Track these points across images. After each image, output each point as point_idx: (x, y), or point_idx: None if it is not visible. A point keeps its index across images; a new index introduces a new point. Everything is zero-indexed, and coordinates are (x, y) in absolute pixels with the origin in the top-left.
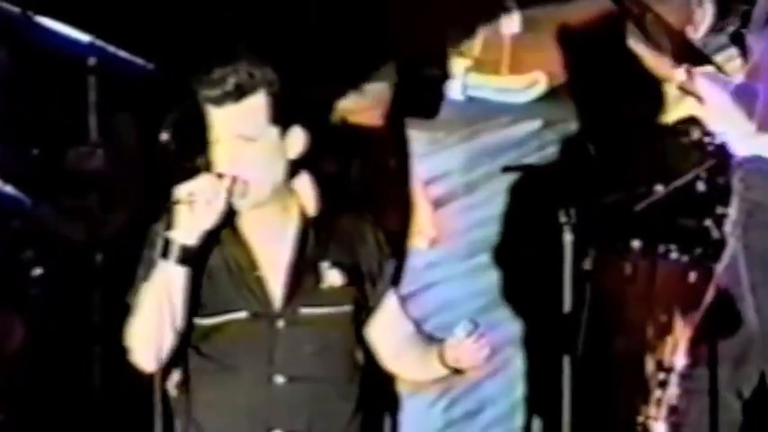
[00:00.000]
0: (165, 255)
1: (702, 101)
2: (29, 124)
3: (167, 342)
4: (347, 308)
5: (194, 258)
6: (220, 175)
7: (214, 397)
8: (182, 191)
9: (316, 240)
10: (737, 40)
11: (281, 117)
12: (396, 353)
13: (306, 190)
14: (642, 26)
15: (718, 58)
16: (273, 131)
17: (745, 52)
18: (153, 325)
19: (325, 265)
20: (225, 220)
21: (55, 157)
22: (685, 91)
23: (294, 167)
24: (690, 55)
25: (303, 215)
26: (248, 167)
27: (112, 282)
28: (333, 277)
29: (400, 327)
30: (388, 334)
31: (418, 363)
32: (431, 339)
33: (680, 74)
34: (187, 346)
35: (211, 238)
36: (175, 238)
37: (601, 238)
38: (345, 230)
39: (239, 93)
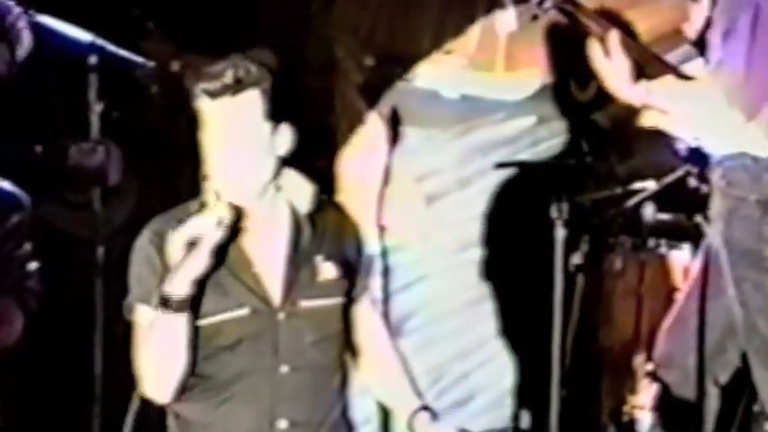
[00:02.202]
0: (165, 306)
1: (666, 112)
2: (31, 121)
3: (178, 376)
4: (340, 299)
5: (195, 302)
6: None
7: (220, 392)
8: (180, 239)
9: (309, 235)
10: (700, 46)
11: (273, 114)
12: (360, 352)
13: (296, 186)
14: (604, 45)
15: (689, 67)
16: (267, 127)
17: (706, 56)
18: (163, 366)
19: (319, 258)
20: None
21: (57, 153)
22: (647, 107)
23: (281, 164)
24: (657, 68)
25: (293, 211)
26: (242, 162)
27: (113, 275)
28: (327, 270)
29: (368, 327)
30: (360, 333)
31: (381, 381)
32: (406, 366)
33: (639, 92)
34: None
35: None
36: (172, 293)
37: (592, 233)
38: (331, 224)
39: (238, 86)
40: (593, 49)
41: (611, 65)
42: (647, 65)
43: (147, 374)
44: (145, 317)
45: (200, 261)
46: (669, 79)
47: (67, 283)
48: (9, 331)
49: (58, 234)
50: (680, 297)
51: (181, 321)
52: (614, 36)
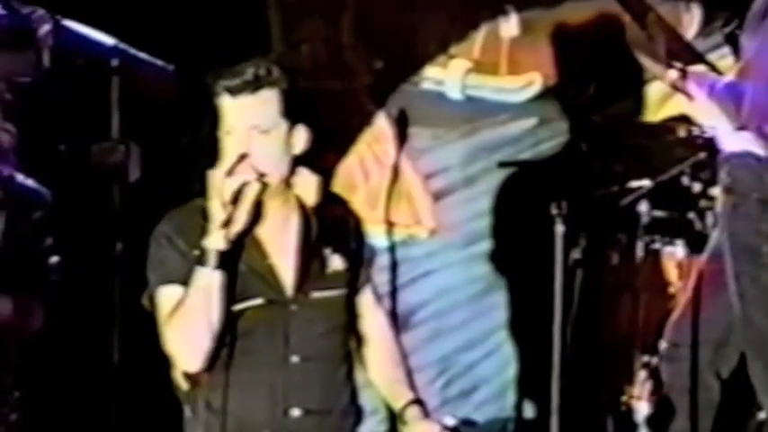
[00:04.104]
0: (201, 262)
1: (692, 99)
2: (56, 121)
3: (211, 341)
4: (347, 290)
5: (231, 260)
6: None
7: (234, 380)
8: (220, 195)
9: (317, 228)
10: (732, 41)
11: (290, 114)
12: (361, 341)
13: (305, 182)
14: (643, 25)
15: (713, 56)
16: (284, 125)
17: (737, 52)
18: (196, 330)
19: (327, 251)
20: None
21: (80, 151)
22: (677, 89)
23: (295, 163)
24: (687, 54)
25: (302, 206)
26: (261, 158)
27: (132, 270)
28: (336, 262)
29: (370, 317)
30: (362, 323)
31: (379, 371)
32: (405, 360)
33: (672, 73)
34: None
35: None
36: (212, 246)
37: (590, 229)
38: (336, 217)
39: (257, 84)
40: (632, 27)
41: (648, 42)
42: (678, 50)
43: (182, 342)
44: (169, 297)
45: (240, 216)
46: (701, 69)
47: (87, 277)
48: (30, 323)
49: (79, 229)
50: (686, 291)
51: (216, 278)
52: (654, 16)
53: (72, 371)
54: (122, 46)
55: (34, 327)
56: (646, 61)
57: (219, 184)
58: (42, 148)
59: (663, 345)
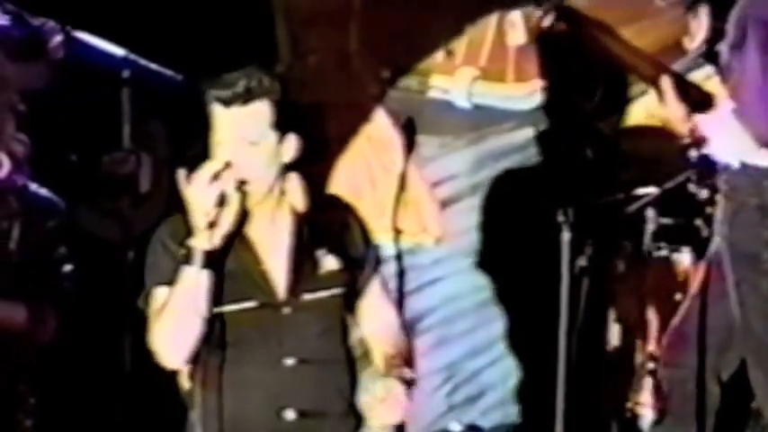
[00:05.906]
0: (188, 261)
1: (708, 141)
2: (67, 132)
3: (194, 341)
4: (342, 290)
5: (216, 260)
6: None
7: (229, 383)
8: (201, 201)
9: (309, 232)
10: (713, 58)
11: (280, 124)
12: (377, 336)
13: (295, 188)
14: (657, 87)
15: (696, 76)
16: (273, 136)
17: (721, 69)
18: (181, 327)
19: (320, 252)
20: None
21: (91, 161)
22: (698, 141)
23: (285, 169)
24: (702, 100)
25: (294, 211)
26: (248, 168)
27: (143, 277)
28: (329, 262)
29: (381, 311)
30: (370, 317)
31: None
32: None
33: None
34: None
35: (229, 238)
36: (197, 245)
37: (596, 236)
38: (333, 222)
39: (248, 96)
40: (667, 92)
41: (673, 106)
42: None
43: (166, 339)
44: (160, 297)
45: (227, 217)
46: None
47: (100, 285)
48: (44, 331)
49: (91, 238)
50: (687, 298)
51: (203, 277)
52: (666, 82)
53: (86, 378)
54: (133, 57)
55: (48, 334)
56: (673, 123)
57: (202, 189)
58: (55, 158)
59: (665, 351)
